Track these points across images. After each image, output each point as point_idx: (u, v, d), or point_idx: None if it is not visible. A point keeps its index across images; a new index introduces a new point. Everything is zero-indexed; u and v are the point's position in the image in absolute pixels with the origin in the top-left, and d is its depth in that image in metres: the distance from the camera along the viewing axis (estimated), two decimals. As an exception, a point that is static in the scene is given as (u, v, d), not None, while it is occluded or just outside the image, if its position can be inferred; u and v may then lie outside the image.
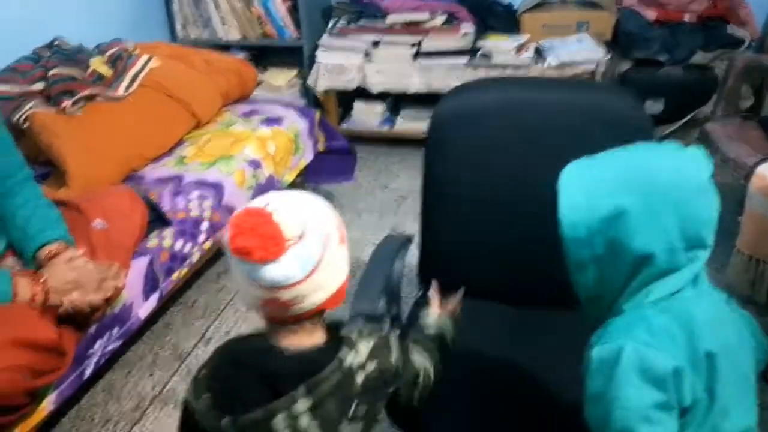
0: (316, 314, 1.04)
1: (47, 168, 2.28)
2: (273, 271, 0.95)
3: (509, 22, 3.55)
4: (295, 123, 2.73)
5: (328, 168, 2.97)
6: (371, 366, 1.06)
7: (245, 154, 2.46)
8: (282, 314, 1.01)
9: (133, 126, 2.36)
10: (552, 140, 1.53)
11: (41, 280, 1.58)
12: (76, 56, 2.44)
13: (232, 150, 2.47)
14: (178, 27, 3.64)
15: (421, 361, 1.21)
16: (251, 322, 2.44)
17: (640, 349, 0.96)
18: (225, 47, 3.58)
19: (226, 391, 1.02)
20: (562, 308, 1.41)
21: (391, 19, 3.42)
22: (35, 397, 1.57)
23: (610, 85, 3.32)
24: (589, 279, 1.05)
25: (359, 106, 3.68)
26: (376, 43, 3.46)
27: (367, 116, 3.68)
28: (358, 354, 1.05)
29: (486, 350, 1.51)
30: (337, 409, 1.02)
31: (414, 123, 3.63)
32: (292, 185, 2.77)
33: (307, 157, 2.78)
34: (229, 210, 2.31)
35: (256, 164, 2.47)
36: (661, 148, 1.05)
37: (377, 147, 3.71)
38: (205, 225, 2.19)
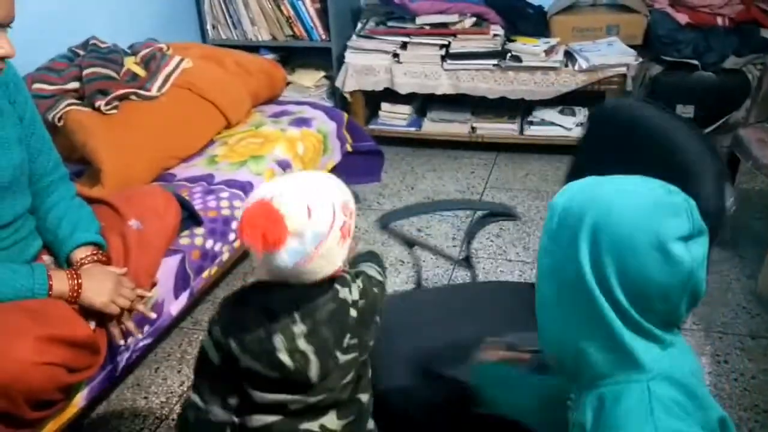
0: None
1: (81, 166, 2.31)
2: (278, 259, 1.06)
3: (539, 25, 3.54)
4: (324, 124, 2.74)
5: (356, 169, 2.97)
6: (362, 303, 1.19)
7: (275, 155, 2.48)
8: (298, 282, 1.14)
9: (165, 126, 2.39)
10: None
11: (77, 278, 1.60)
12: (111, 56, 2.46)
13: (261, 150, 2.49)
14: (209, 27, 3.67)
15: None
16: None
17: None
18: (254, 48, 3.60)
19: (232, 322, 1.15)
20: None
21: (420, 20, 3.42)
22: (69, 393, 1.59)
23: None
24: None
25: (387, 108, 3.69)
26: (404, 45, 3.46)
27: (395, 118, 3.69)
28: (352, 292, 1.18)
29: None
30: (332, 336, 1.15)
31: (441, 125, 3.63)
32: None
33: (335, 158, 2.79)
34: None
35: (285, 164, 2.48)
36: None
37: (403, 148, 3.71)
38: (235, 224, 2.21)
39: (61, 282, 1.58)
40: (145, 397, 2.16)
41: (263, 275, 1.14)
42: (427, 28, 3.43)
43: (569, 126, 3.45)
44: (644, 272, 0.88)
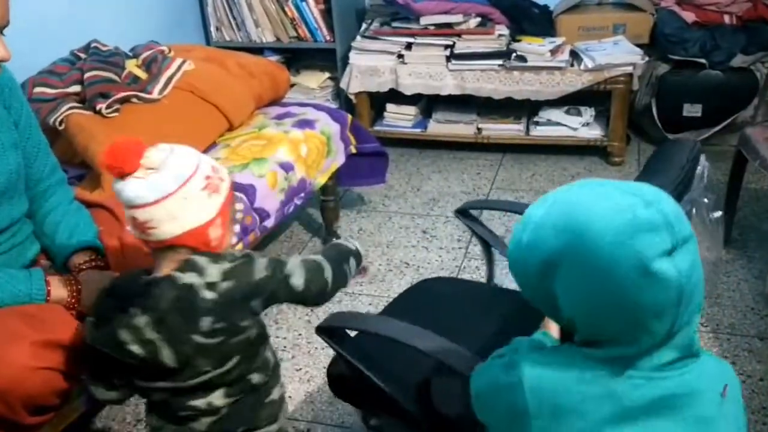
0: (178, 246, 1.22)
1: (83, 170, 2.30)
2: (127, 189, 1.17)
3: (544, 24, 3.52)
4: (328, 126, 2.73)
5: (360, 170, 2.96)
6: (226, 284, 1.22)
7: (277, 157, 2.46)
8: (145, 237, 1.22)
9: (167, 128, 2.37)
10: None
11: (76, 284, 1.59)
12: (112, 58, 2.46)
13: (264, 152, 2.47)
14: (212, 29, 3.66)
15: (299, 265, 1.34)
16: (282, 324, 2.44)
17: None
18: (258, 50, 3.60)
19: (96, 314, 1.28)
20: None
21: (425, 21, 3.40)
22: (68, 397, 1.57)
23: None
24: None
25: (392, 109, 3.67)
26: (409, 45, 3.45)
27: (400, 119, 3.67)
28: (206, 275, 1.21)
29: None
30: (182, 323, 1.20)
31: (447, 126, 3.61)
32: (325, 188, 2.76)
33: (339, 160, 2.78)
34: (261, 213, 2.31)
35: (288, 167, 2.47)
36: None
37: (409, 150, 3.70)
38: (236, 228, 2.19)
39: (59, 288, 1.57)
40: (148, 402, 2.15)
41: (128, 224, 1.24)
42: (432, 28, 3.41)
43: (575, 126, 3.42)
44: (630, 296, 0.86)
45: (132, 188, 1.17)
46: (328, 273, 1.38)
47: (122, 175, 1.17)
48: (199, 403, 1.30)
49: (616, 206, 0.87)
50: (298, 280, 1.32)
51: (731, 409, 0.96)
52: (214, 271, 1.21)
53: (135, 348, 1.21)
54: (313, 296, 1.36)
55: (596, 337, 0.93)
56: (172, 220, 1.18)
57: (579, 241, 0.87)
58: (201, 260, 1.22)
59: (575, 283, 0.89)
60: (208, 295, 1.20)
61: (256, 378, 1.34)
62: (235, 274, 1.23)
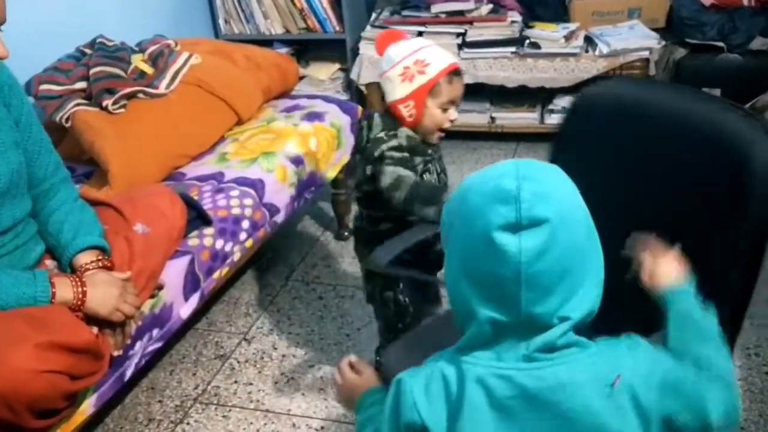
0: (391, 111, 1.75)
1: (90, 167, 2.28)
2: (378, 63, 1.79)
3: (557, 10, 3.45)
4: (338, 118, 2.69)
5: (372, 163, 2.92)
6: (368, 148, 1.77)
7: (287, 151, 2.43)
8: None
9: (174, 124, 2.35)
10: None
11: (81, 285, 1.56)
12: (118, 54, 2.43)
13: (273, 146, 2.44)
14: (221, 22, 3.63)
15: None
16: (294, 320, 2.42)
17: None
18: (268, 42, 3.56)
19: None
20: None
21: (435, 8, 3.34)
22: (74, 400, 1.56)
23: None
24: None
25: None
26: (420, 34, 3.38)
27: (412, 109, 3.62)
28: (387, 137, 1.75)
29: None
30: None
31: (460, 115, 3.50)
32: (335, 181, 2.73)
33: (349, 153, 2.74)
34: (271, 208, 2.27)
35: (298, 161, 2.43)
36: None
37: (422, 140, 3.64)
38: (246, 223, 2.16)
39: (65, 289, 1.54)
40: (160, 401, 2.13)
41: None
42: (443, 16, 3.36)
43: (591, 113, 3.36)
44: (475, 261, 0.88)
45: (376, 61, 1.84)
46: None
47: None
48: None
49: (493, 174, 0.90)
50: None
51: (625, 399, 0.90)
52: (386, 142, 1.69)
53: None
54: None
55: (458, 322, 0.94)
56: (385, 92, 1.73)
57: (458, 201, 0.93)
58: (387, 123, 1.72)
59: (451, 247, 0.93)
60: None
61: None
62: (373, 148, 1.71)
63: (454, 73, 1.74)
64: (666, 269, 1.09)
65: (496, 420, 0.91)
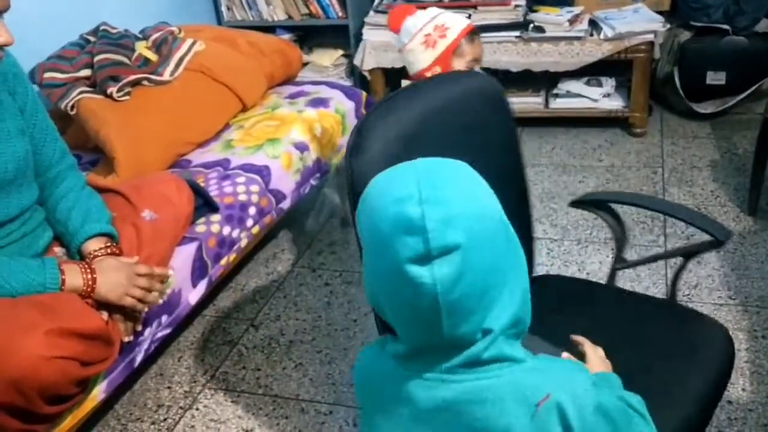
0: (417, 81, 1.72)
1: (96, 155, 2.28)
2: (393, 39, 1.86)
3: (562, -7, 3.43)
4: (342, 104, 2.68)
5: (377, 148, 2.92)
6: None
7: (291, 137, 2.42)
8: None
9: (179, 111, 2.34)
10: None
11: (91, 272, 1.57)
12: (122, 41, 2.42)
13: (278, 133, 2.43)
14: (224, 9, 3.62)
15: None
16: (301, 306, 2.42)
17: None
18: (270, 28, 3.54)
19: None
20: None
21: (439, -7, 3.33)
22: (85, 386, 1.56)
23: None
24: None
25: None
26: (423, 20, 3.38)
27: (416, 95, 3.61)
28: None
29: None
30: None
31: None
32: (341, 168, 2.72)
33: (354, 138, 2.73)
34: (277, 194, 2.27)
35: (302, 147, 2.43)
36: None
37: (426, 126, 3.63)
38: (252, 210, 2.16)
39: (74, 276, 1.55)
40: (168, 387, 2.14)
41: None
42: (447, 0, 3.34)
43: (596, 97, 3.35)
44: (392, 290, 0.84)
45: (393, 38, 1.88)
46: None
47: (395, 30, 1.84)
48: None
49: (394, 194, 0.83)
50: None
51: (553, 419, 0.86)
52: None
53: None
54: None
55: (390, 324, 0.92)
56: (409, 64, 1.83)
57: (365, 219, 0.88)
58: None
59: (365, 265, 0.89)
60: None
61: None
62: None
63: (473, 32, 1.85)
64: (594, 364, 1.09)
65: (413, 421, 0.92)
